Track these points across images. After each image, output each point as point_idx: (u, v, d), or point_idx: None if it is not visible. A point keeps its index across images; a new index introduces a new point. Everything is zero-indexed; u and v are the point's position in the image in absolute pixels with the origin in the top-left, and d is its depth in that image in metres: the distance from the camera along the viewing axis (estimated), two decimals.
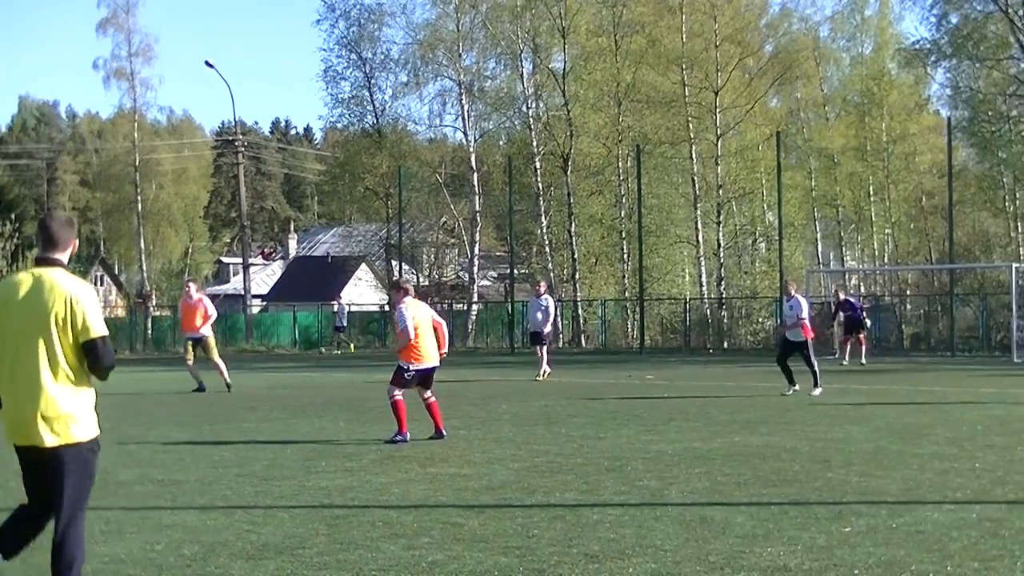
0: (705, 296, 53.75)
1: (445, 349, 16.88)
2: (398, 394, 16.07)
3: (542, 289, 30.47)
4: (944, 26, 50.73)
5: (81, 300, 6.87)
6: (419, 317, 16.31)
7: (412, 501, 11.07)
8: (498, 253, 73.27)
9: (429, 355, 16.28)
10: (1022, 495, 10.86)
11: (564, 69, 56.53)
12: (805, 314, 23.13)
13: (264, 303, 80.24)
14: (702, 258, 54.74)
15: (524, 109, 59.23)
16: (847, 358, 35.54)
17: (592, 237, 57.30)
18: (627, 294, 54.91)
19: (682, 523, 9.61)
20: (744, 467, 12.86)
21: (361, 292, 76.79)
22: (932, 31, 51.95)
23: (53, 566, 6.89)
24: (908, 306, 56.96)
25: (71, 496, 6.88)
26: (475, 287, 62.99)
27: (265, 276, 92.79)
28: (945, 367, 34.63)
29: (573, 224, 55.54)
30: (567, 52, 56.72)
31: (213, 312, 27.10)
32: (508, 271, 58.46)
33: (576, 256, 55.52)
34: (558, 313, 49.23)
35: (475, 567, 8.21)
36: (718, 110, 54.22)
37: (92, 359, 6.89)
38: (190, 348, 27.04)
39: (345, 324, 53.79)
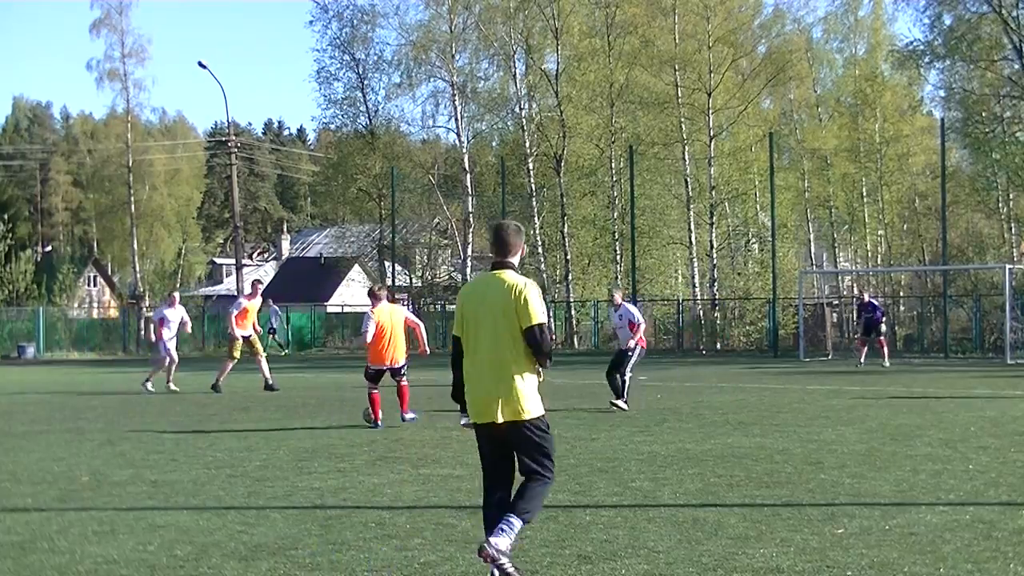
0: (698, 297, 53.74)
1: (425, 348, 19.15)
2: (371, 388, 18.33)
3: None
4: (937, 27, 50.84)
5: (526, 292, 7.89)
6: (385, 322, 18.28)
7: (405, 502, 11.06)
8: (490, 254, 73.26)
9: (384, 358, 18.40)
10: (1015, 497, 10.86)
11: (557, 70, 56.55)
12: (638, 319, 21.31)
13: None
14: (695, 259, 54.71)
15: (517, 110, 59.23)
16: (863, 360, 35.61)
17: (585, 238, 57.32)
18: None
19: (675, 524, 9.62)
20: (737, 468, 12.86)
21: (353, 293, 76.78)
22: (925, 32, 52.27)
23: (513, 505, 7.82)
24: (901, 307, 57.07)
25: (530, 464, 7.85)
26: None
27: (258, 277, 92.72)
28: (938, 368, 34.66)
29: (566, 225, 55.55)
30: (560, 53, 56.75)
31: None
32: None
33: (569, 257, 55.53)
34: (550, 315, 49.15)
35: (467, 568, 8.20)
36: (711, 111, 54.20)
37: (532, 343, 7.83)
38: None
39: (276, 327, 52.14)
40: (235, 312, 27.04)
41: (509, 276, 8.01)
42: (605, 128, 55.51)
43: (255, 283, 28.53)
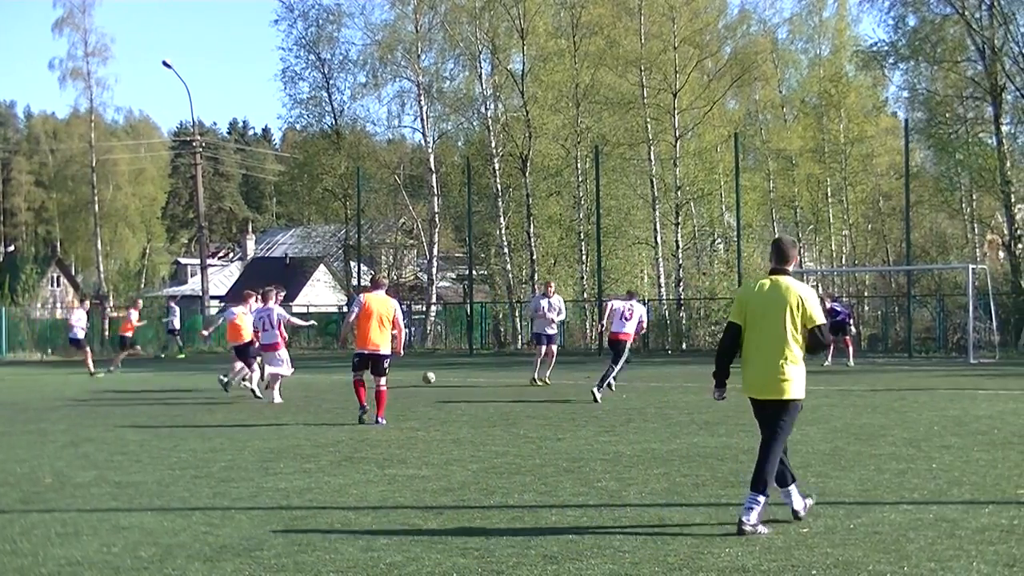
0: (664, 297, 53.78)
1: (400, 350, 19.12)
2: (355, 378, 18.77)
3: (552, 289, 29.25)
4: (902, 28, 51.02)
5: (808, 298, 9.55)
6: (372, 307, 18.48)
7: (370, 502, 11.04)
8: (457, 254, 73.27)
9: (367, 341, 18.47)
10: (978, 495, 10.92)
11: (523, 70, 56.51)
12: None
13: (222, 304, 79.85)
14: (660, 259, 54.76)
15: (482, 110, 59.23)
16: (829, 359, 35.76)
17: (550, 238, 57.31)
18: (585, 295, 54.91)
19: (641, 524, 9.63)
20: (702, 468, 12.88)
21: (319, 293, 76.61)
22: (890, 33, 52.30)
23: (780, 479, 9.54)
24: (865, 307, 57.24)
25: (783, 434, 9.53)
26: (434, 288, 62.90)
27: (223, 277, 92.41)
28: (902, 368, 34.83)
29: (532, 225, 55.54)
30: (525, 53, 56.70)
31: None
32: (467, 272, 58.44)
33: (535, 257, 55.49)
34: (518, 314, 49.35)
35: (433, 568, 8.19)
36: (676, 111, 54.29)
37: (813, 341, 9.62)
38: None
39: (178, 327, 50.17)
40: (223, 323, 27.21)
41: (792, 282, 9.57)
42: (571, 128, 55.52)
43: (246, 294, 27.42)
